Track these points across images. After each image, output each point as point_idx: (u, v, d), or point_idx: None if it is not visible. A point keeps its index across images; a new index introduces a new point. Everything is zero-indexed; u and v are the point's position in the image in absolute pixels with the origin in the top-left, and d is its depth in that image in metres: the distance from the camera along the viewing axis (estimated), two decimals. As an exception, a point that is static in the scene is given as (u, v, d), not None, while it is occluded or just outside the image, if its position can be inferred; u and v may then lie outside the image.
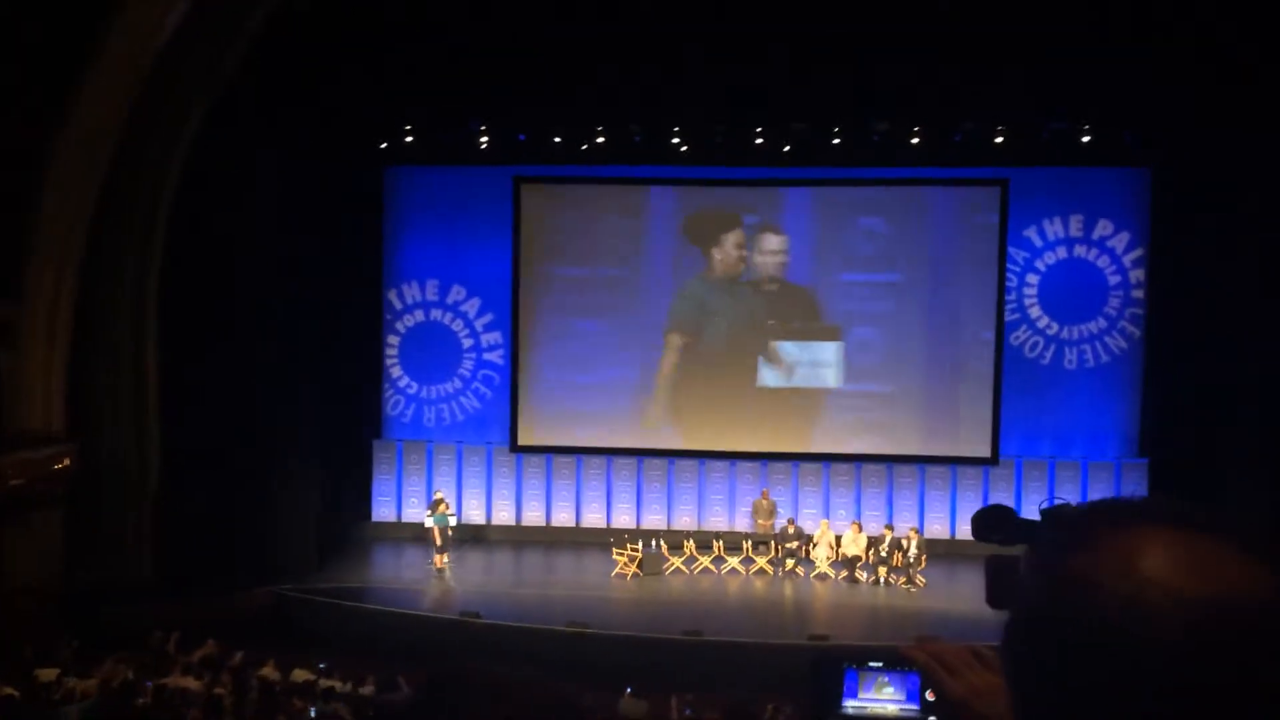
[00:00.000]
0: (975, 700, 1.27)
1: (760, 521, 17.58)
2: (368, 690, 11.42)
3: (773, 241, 18.22)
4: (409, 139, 18.11)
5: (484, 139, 18.01)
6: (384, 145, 18.19)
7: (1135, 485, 17.43)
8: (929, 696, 1.30)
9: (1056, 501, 1.93)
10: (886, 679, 1.35)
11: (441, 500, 17.40)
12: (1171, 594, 0.85)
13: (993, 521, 2.00)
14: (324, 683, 11.57)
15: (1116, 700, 0.85)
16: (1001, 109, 16.89)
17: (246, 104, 15.59)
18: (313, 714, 10.02)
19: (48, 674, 10.70)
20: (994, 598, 1.91)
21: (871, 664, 1.35)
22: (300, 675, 11.74)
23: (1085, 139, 17.14)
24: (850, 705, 1.36)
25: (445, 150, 18.21)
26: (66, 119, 13.73)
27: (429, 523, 17.23)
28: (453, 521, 17.48)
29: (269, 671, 11.77)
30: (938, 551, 16.96)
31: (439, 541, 16.91)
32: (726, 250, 18.24)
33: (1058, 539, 0.94)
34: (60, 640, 12.41)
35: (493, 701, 0.91)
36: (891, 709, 1.34)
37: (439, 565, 16.89)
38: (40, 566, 14.53)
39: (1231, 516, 0.91)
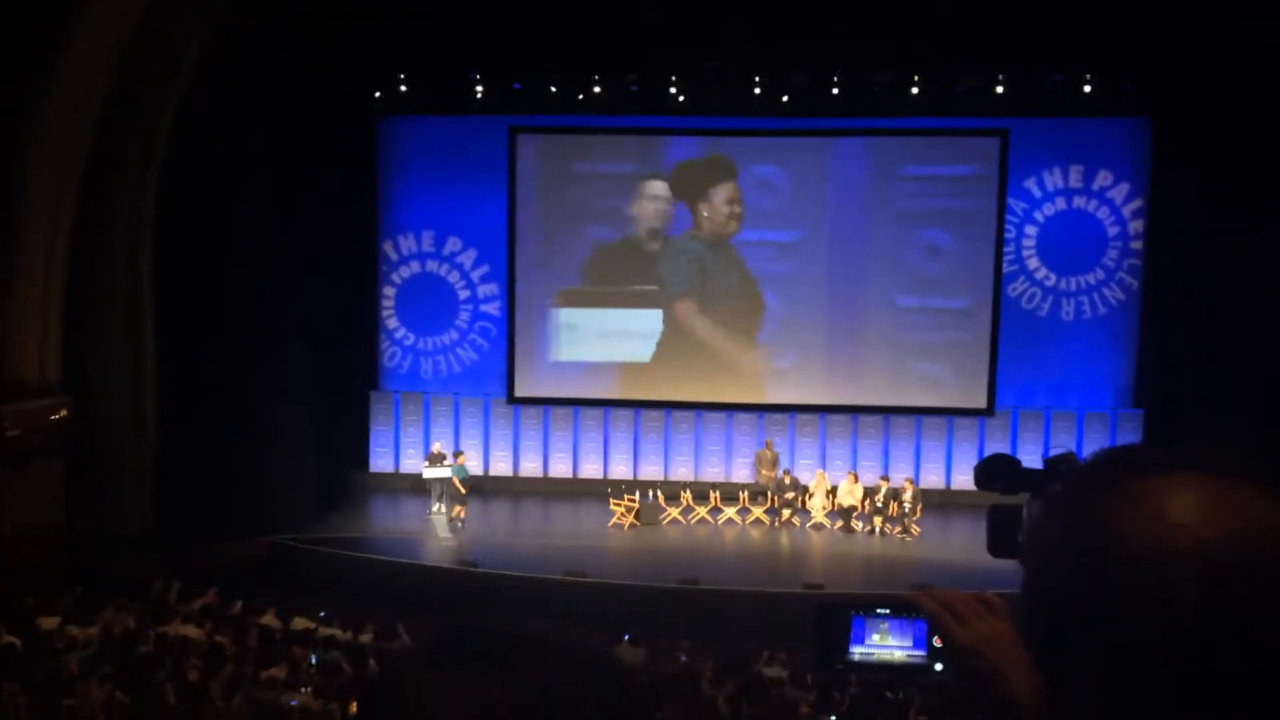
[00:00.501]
0: (983, 647, 1.27)
1: (764, 472, 17.62)
2: (367, 638, 11.52)
3: (767, 193, 18.10)
4: (403, 89, 17.94)
5: (479, 89, 17.83)
6: (378, 95, 18.01)
7: (1130, 436, 17.50)
8: (936, 643, 1.30)
9: (1059, 451, 1.93)
10: (893, 626, 1.35)
11: (460, 453, 17.41)
12: (1197, 538, 0.85)
13: (996, 470, 2.00)
14: (324, 631, 11.68)
15: (1141, 643, 0.85)
16: (1002, 60, 16.73)
17: (239, 55, 15.40)
18: (313, 661, 10.12)
19: (49, 622, 10.78)
20: (995, 546, 1.91)
21: (878, 611, 1.35)
22: (300, 623, 11.84)
23: (1086, 89, 17.00)
24: (857, 652, 1.36)
25: (440, 100, 18.04)
26: (55, 70, 13.56)
27: (428, 474, 17.27)
28: (474, 472, 17.65)
29: (269, 620, 11.87)
30: (933, 501, 17.07)
31: (463, 491, 16.86)
32: (716, 206, 18.13)
33: (1083, 484, 0.93)
34: (61, 589, 12.49)
35: (524, 659, 0.90)
36: (898, 655, 1.34)
37: (457, 516, 16.82)
38: (39, 517, 14.59)
39: (1257, 461, 0.90)
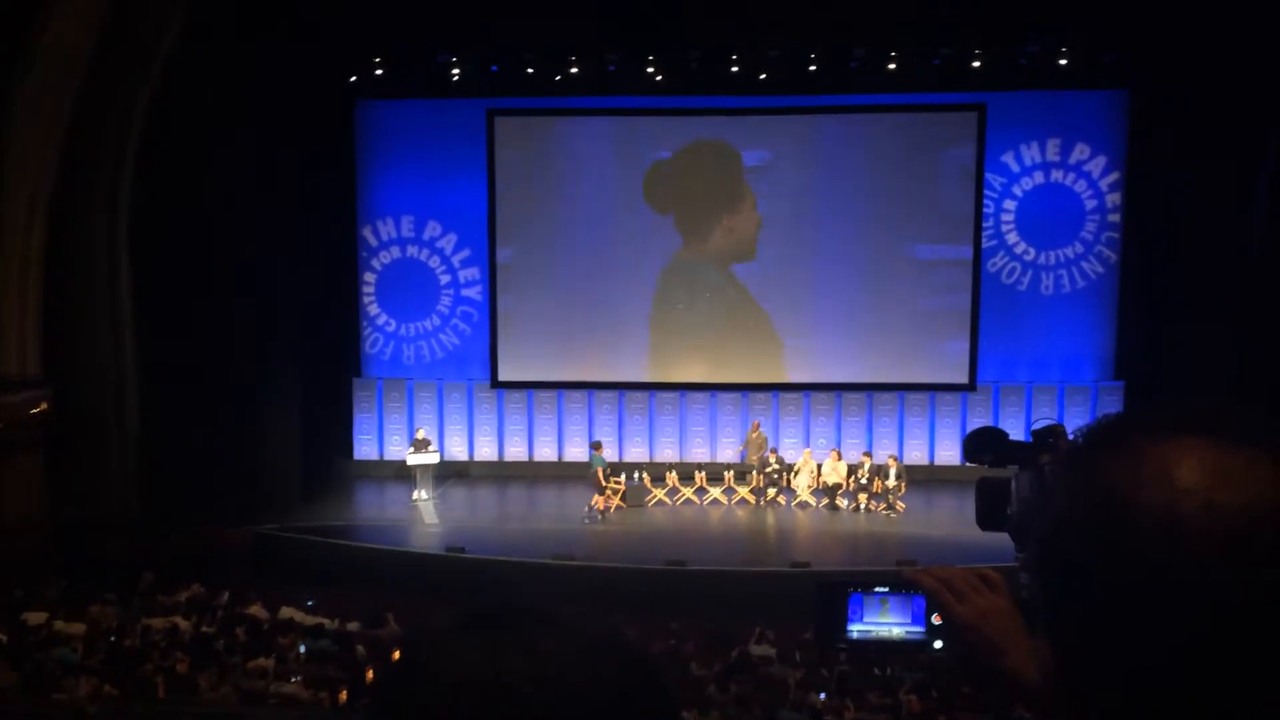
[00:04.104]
0: (981, 622, 1.28)
1: (753, 455, 17.59)
2: (354, 626, 11.51)
3: (751, 172, 18.09)
4: (379, 72, 17.79)
5: (455, 71, 17.71)
6: (354, 80, 17.86)
7: (1112, 408, 17.58)
8: (935, 620, 1.31)
9: (1045, 423, 1.94)
10: (892, 603, 1.35)
11: (599, 443, 17.02)
12: (1206, 503, 0.85)
13: (986, 443, 2.00)
14: (311, 619, 11.66)
15: (1152, 609, 0.85)
16: (979, 34, 16.73)
17: (214, 39, 15.24)
18: (301, 650, 10.11)
19: (36, 617, 10.73)
20: (984, 520, 1.91)
21: (877, 589, 1.36)
22: (287, 613, 11.81)
23: (1062, 62, 17.02)
24: (855, 629, 1.36)
25: (417, 83, 17.91)
26: (30, 55, 13.40)
27: (413, 461, 17.23)
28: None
29: (256, 610, 11.84)
30: (917, 478, 17.16)
31: (605, 483, 16.43)
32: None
33: (1090, 449, 0.93)
34: (48, 580, 12.43)
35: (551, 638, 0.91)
36: (897, 632, 1.35)
37: (594, 508, 16.45)
38: (24, 508, 14.51)
39: (1263, 422, 0.90)
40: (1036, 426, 1.95)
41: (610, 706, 0.88)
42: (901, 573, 1.33)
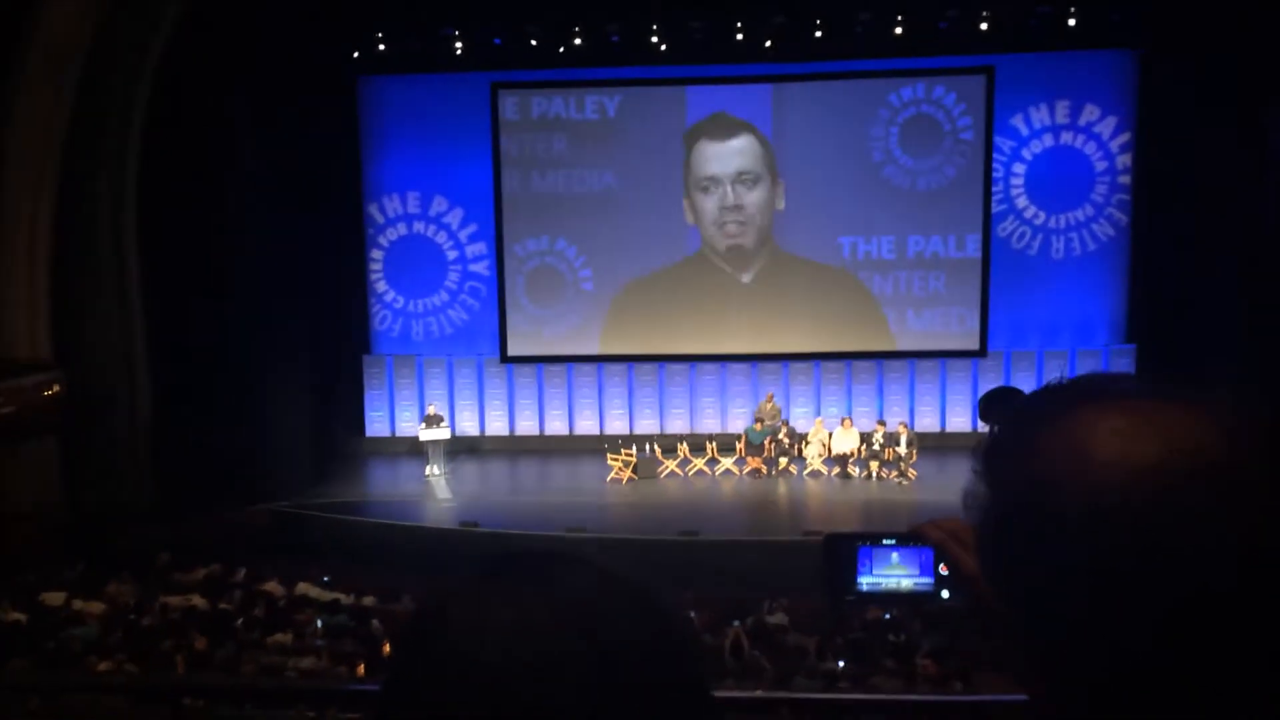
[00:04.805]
0: (989, 573, 1.27)
1: (767, 424, 17.57)
2: (370, 601, 11.59)
3: (754, 140, 17.99)
4: (381, 47, 17.71)
5: (459, 44, 17.62)
6: (356, 55, 17.79)
7: (1124, 370, 17.54)
8: (942, 570, 1.30)
9: (992, 388, 1.93)
10: (899, 555, 1.35)
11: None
12: (1119, 462, 0.82)
13: (1002, 401, 1.99)
14: (328, 595, 11.75)
15: (1067, 565, 0.83)
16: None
17: (215, 18, 15.17)
18: (319, 625, 10.18)
19: (54, 598, 10.83)
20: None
21: (884, 541, 1.35)
22: (304, 589, 11.91)
23: (1071, 22, 16.84)
24: (865, 581, 1.36)
25: (420, 58, 17.82)
26: (32, 39, 13.38)
27: (425, 436, 17.30)
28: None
29: (273, 587, 11.93)
30: (928, 445, 17.15)
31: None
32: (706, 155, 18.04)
33: (1012, 422, 0.92)
34: (65, 565, 12.54)
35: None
36: (905, 583, 1.34)
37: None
38: (38, 493, 14.61)
39: (1177, 384, 0.88)
40: (983, 395, 1.95)
41: (635, 647, 0.87)
42: (909, 529, 1.33)
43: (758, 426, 17.32)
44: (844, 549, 1.37)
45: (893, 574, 1.35)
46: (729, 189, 18.10)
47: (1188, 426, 0.83)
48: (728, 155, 18.04)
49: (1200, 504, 0.79)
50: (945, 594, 1.31)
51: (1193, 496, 0.80)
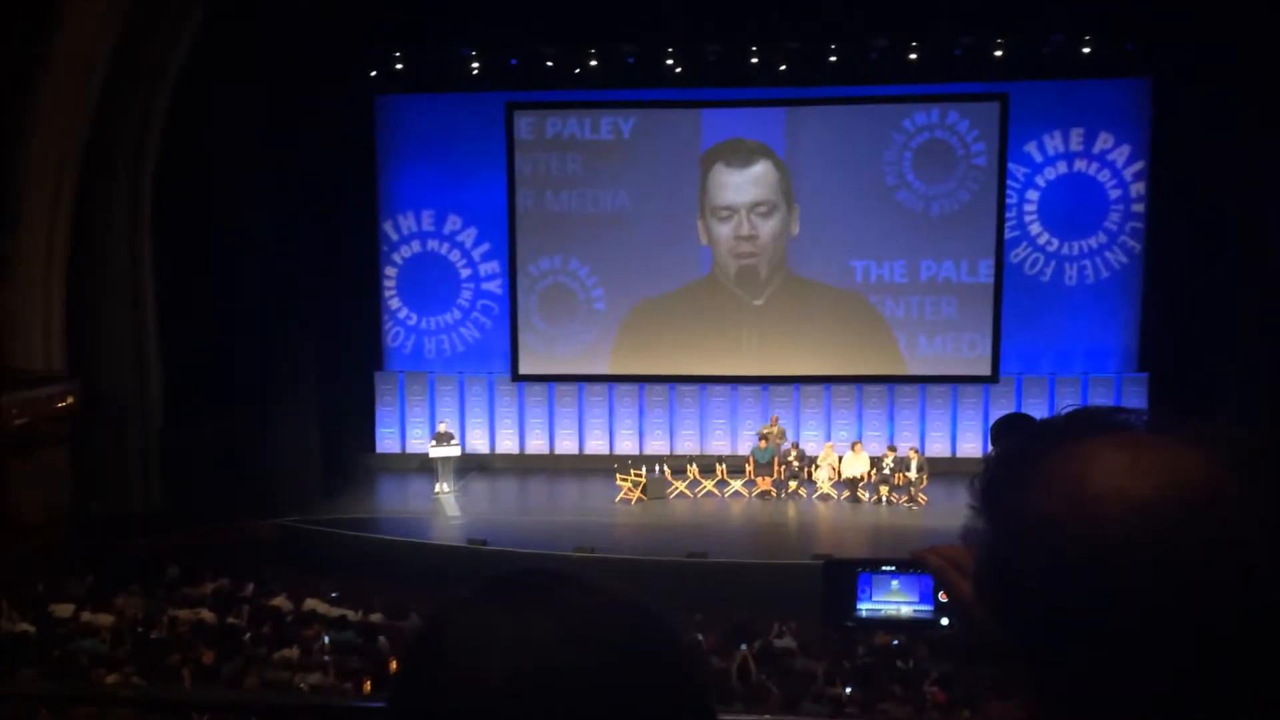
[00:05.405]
0: (987, 600, 1.27)
1: (773, 443, 17.48)
2: (377, 618, 11.58)
3: (771, 167, 18.03)
4: (399, 66, 17.84)
5: (475, 64, 17.73)
6: (373, 74, 17.93)
7: (1136, 400, 17.48)
8: (942, 598, 1.31)
9: (1004, 415, 1.94)
10: (899, 582, 1.35)
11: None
12: (1117, 498, 0.82)
13: (1013, 426, 2.00)
14: (335, 611, 11.74)
15: (1068, 601, 0.83)
16: (1001, 22, 16.60)
17: (233, 35, 15.32)
18: (326, 641, 10.18)
19: (63, 609, 10.85)
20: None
21: (884, 568, 1.36)
22: (311, 604, 11.90)
23: (1085, 50, 16.87)
24: (864, 608, 1.37)
25: (436, 77, 17.95)
26: (52, 51, 13.52)
27: (435, 454, 17.29)
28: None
29: (281, 602, 11.93)
30: (939, 470, 17.08)
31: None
32: (720, 179, 18.09)
33: (1011, 455, 0.91)
34: (74, 576, 12.56)
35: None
36: (905, 611, 1.35)
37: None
38: (48, 504, 14.66)
39: (1178, 420, 0.87)
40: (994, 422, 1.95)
41: (636, 661, 0.88)
42: (908, 555, 1.34)
43: (762, 445, 17.29)
44: (843, 575, 1.37)
45: (892, 600, 1.35)
46: (744, 218, 18.12)
47: (1187, 461, 0.82)
48: (744, 185, 18.06)
49: (1200, 541, 0.79)
50: (945, 621, 1.32)
51: (1191, 533, 0.79)
